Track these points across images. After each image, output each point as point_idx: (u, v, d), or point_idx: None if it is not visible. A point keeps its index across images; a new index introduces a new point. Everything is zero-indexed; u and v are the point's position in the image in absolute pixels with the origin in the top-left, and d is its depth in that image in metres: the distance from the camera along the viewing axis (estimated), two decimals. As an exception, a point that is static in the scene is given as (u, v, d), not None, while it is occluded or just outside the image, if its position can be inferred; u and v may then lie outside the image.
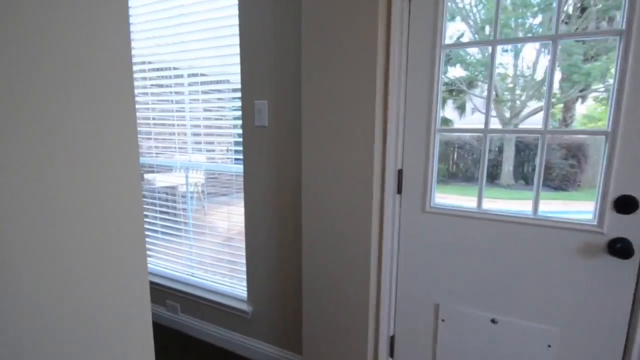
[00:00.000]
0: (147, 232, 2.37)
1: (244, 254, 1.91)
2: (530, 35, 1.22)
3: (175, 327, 2.24)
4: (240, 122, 1.78)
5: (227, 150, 1.89)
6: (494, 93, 1.23)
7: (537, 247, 1.19)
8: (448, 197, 1.34)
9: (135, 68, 2.18)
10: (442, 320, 1.34)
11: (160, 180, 2.32)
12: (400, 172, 1.34)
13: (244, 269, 1.93)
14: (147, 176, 2.36)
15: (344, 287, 1.45)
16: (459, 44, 1.30)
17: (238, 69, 1.72)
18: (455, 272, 1.32)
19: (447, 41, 1.25)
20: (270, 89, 1.64)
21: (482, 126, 1.23)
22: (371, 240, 1.36)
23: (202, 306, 2.10)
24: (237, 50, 1.71)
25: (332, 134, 1.36)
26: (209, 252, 2.11)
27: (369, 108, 1.28)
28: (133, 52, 2.16)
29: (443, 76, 1.27)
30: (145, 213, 2.36)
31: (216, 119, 1.95)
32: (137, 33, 2.11)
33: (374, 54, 1.25)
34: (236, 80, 1.78)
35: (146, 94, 2.19)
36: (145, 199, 2.35)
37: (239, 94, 1.76)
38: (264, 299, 1.87)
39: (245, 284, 1.94)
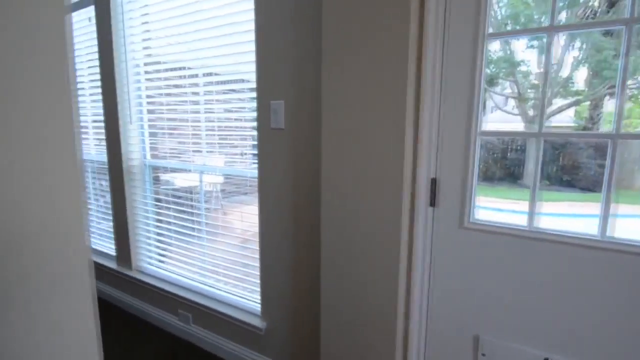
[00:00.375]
0: (160, 238, 2.27)
1: (258, 264, 1.76)
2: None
3: (186, 338, 2.12)
4: (255, 124, 1.64)
5: (242, 154, 1.75)
6: (516, 90, 1.08)
7: (606, 275, 0.97)
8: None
9: (149, 69, 2.09)
10: (483, 355, 1.14)
11: (175, 182, 2.21)
12: (434, 182, 1.15)
13: (258, 280, 1.78)
14: (163, 177, 2.26)
15: (368, 308, 1.27)
16: (507, 33, 1.10)
17: (253, 67, 1.58)
18: (500, 299, 1.11)
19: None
20: (287, 88, 1.49)
21: (504, 125, 1.06)
22: (399, 259, 1.17)
23: (214, 318, 1.96)
24: (253, 47, 1.57)
25: (355, 137, 1.19)
26: (222, 260, 1.98)
27: (399, 108, 1.10)
28: (149, 52, 2.07)
29: (486, 71, 1.08)
30: (159, 218, 2.26)
31: (231, 121, 1.82)
32: (153, 32, 2.01)
33: (405, 45, 1.07)
34: (251, 79, 1.64)
35: (160, 94, 2.09)
36: (159, 203, 2.25)
37: (254, 94, 1.62)
38: (279, 314, 1.71)
39: (259, 296, 1.79)
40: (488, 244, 1.11)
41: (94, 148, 2.59)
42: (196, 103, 1.92)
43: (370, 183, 1.18)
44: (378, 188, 1.17)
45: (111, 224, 2.47)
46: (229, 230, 1.94)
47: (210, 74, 1.83)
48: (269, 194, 1.63)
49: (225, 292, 1.98)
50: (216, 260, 2.00)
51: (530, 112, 1.14)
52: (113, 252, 2.52)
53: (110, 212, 2.46)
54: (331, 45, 1.19)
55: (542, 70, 1.05)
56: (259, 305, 1.78)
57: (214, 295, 2.00)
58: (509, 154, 1.15)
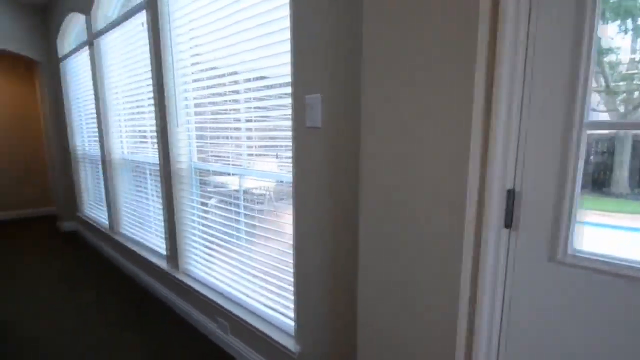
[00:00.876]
0: (204, 242, 2.19)
1: (292, 279, 1.54)
2: None
3: (224, 347, 1.99)
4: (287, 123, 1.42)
5: (277, 156, 1.55)
6: (603, 83, 0.81)
7: None
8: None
9: (195, 69, 2.01)
10: None
11: (218, 185, 2.11)
12: (511, 194, 0.81)
13: (292, 297, 1.56)
14: (208, 179, 2.18)
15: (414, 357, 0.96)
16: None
17: (288, 58, 1.37)
18: (616, 373, 0.73)
19: None
20: (325, 78, 1.25)
21: None
22: (459, 300, 0.85)
23: (249, 332, 1.79)
24: (288, 35, 1.36)
25: (402, 128, 0.90)
26: (258, 271, 1.80)
27: (461, 92, 0.78)
28: (193, 51, 1.98)
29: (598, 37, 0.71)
30: (203, 222, 2.18)
31: (273, 119, 1.63)
32: (197, 29, 1.92)
33: (475, 4, 0.75)
34: (281, 73, 1.43)
35: (203, 95, 2.00)
36: (204, 207, 2.17)
37: (289, 90, 1.41)
38: (314, 339, 1.46)
39: (293, 314, 1.56)
40: (597, 287, 0.73)
41: (152, 151, 2.63)
42: (236, 102, 1.78)
43: (420, 191, 0.88)
44: (431, 198, 0.86)
45: (163, 224, 2.47)
46: (264, 239, 1.75)
47: (248, 71, 1.67)
48: (304, 203, 1.40)
49: (261, 304, 1.80)
50: (253, 270, 1.83)
51: (622, 109, 0.87)
52: (164, 252, 2.52)
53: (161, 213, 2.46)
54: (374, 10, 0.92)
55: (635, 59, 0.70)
56: (294, 324, 1.56)
57: (251, 308, 1.83)
58: (599, 157, 0.81)
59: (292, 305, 1.57)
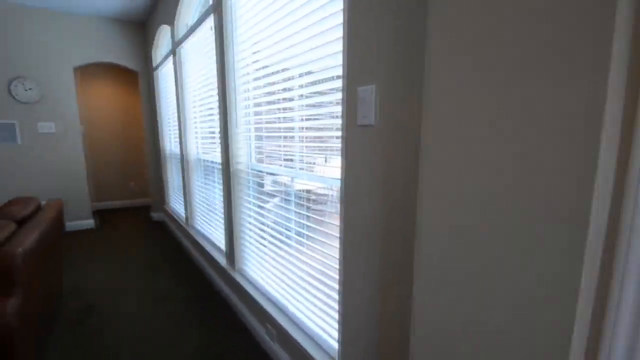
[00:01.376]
0: (258, 244, 2.10)
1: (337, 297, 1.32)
2: None
3: (270, 354, 1.86)
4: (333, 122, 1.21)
5: (326, 160, 1.35)
6: None
7: None
8: None
9: (250, 69, 1.92)
10: None
11: (272, 187, 2.00)
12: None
13: (337, 315, 1.34)
14: (264, 181, 2.09)
15: None
16: None
17: (339, 46, 1.16)
18: None
19: None
20: (380, 65, 1.00)
21: None
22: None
23: (293, 346, 1.63)
24: (340, 19, 1.15)
25: (487, 130, 0.62)
26: (306, 283, 1.63)
27: (596, 73, 0.48)
28: (251, 51, 1.90)
29: None
30: (258, 225, 2.09)
31: (329, 117, 1.44)
32: (255, 28, 1.83)
33: None
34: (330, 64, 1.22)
35: (258, 95, 1.90)
36: (259, 210, 2.08)
37: (339, 84, 1.20)
38: (359, 371, 1.23)
39: (337, 335, 1.35)
40: None
41: (219, 152, 2.66)
42: (290, 99, 1.63)
43: (508, 224, 0.59)
44: (524, 225, 0.57)
45: (223, 223, 2.47)
46: (312, 247, 1.57)
47: (301, 65, 1.51)
48: (353, 210, 1.17)
49: (307, 318, 1.62)
50: (302, 282, 1.66)
51: None
52: (224, 250, 2.52)
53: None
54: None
55: None
56: (338, 347, 1.34)
57: (298, 321, 1.67)
58: None
59: (336, 325, 1.36)
